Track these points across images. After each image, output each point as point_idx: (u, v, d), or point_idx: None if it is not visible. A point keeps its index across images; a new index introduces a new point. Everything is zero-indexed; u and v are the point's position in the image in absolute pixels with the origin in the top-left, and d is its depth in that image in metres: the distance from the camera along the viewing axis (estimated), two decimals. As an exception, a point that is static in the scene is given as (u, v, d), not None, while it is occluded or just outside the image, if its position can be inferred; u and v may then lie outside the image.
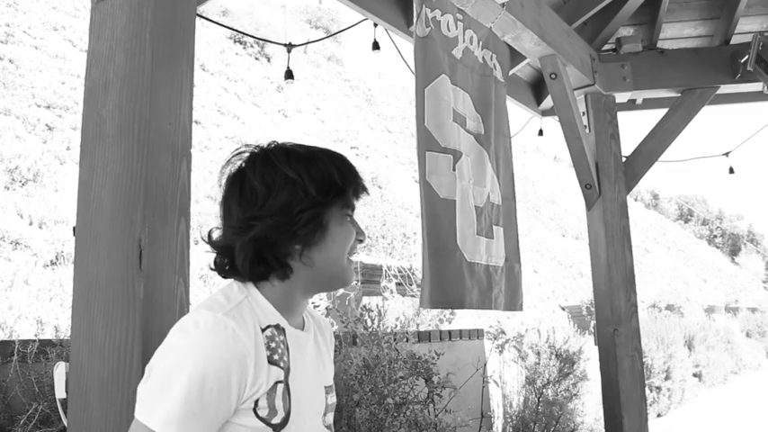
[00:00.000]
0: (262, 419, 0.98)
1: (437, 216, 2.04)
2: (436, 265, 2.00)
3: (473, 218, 2.22)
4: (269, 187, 1.01)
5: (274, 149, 1.06)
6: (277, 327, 1.03)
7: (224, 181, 1.07)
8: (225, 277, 1.07)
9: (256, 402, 0.97)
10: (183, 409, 0.89)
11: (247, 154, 1.07)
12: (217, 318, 0.94)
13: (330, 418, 1.16)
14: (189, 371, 0.90)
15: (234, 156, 1.07)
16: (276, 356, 1.00)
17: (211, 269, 1.07)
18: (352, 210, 1.11)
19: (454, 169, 2.14)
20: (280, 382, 1.00)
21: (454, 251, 2.09)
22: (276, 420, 0.99)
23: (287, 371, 1.02)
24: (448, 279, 2.05)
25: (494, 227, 2.37)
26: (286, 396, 1.01)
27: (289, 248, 1.03)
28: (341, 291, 7.93)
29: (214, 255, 1.08)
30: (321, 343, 1.19)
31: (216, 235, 1.06)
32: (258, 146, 1.08)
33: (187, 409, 0.89)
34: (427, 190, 2.02)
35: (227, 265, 1.05)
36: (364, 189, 1.11)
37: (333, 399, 1.17)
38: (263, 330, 1.00)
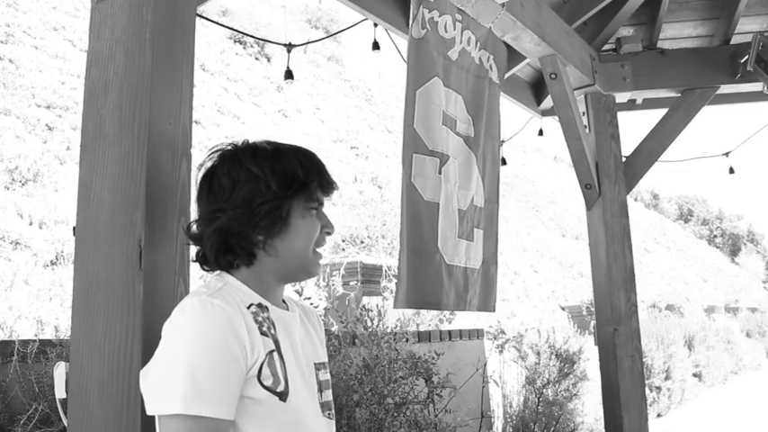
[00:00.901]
0: (267, 388, 1.03)
1: (420, 218, 2.05)
2: (415, 266, 2.01)
3: (455, 221, 2.23)
4: (234, 182, 1.09)
5: (243, 148, 1.14)
6: (260, 305, 1.09)
7: (199, 177, 1.15)
8: (203, 268, 1.15)
9: (260, 371, 1.02)
10: (196, 387, 0.93)
11: (219, 152, 1.15)
12: (201, 299, 1.01)
13: (328, 395, 1.21)
14: (189, 350, 0.95)
15: (209, 153, 1.15)
16: (264, 328, 1.06)
17: (193, 261, 1.15)
18: (320, 203, 1.17)
19: (440, 172, 2.14)
20: (273, 351, 1.06)
21: (434, 253, 2.10)
22: (280, 389, 1.05)
23: (276, 342, 1.08)
24: (426, 280, 2.06)
25: (474, 230, 2.38)
26: (282, 365, 1.06)
27: (252, 239, 1.10)
28: (340, 290, 7.93)
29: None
30: (309, 325, 1.25)
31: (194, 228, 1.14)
32: (231, 143, 1.16)
33: (199, 385, 0.93)
34: (411, 192, 2.02)
35: (201, 254, 1.13)
36: (330, 184, 1.17)
37: (326, 376, 1.22)
38: (248, 308, 1.06)
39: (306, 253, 1.14)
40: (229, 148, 1.15)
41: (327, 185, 1.17)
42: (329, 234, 1.19)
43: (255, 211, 1.08)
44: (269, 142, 1.17)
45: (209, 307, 0.99)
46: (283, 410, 1.04)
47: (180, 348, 0.96)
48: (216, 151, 1.15)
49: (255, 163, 1.10)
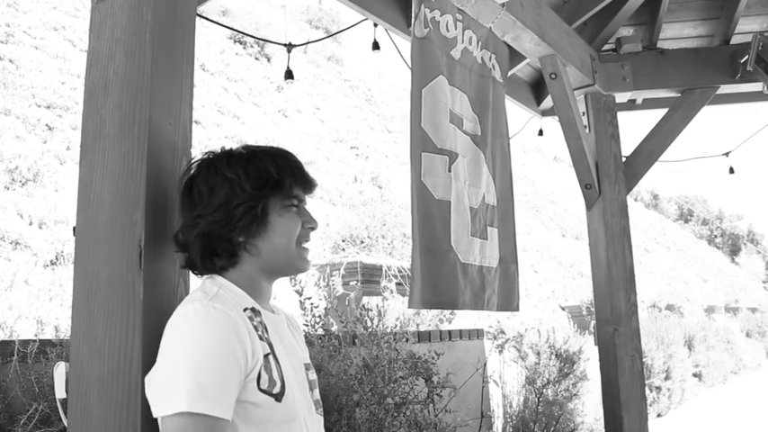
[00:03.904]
0: (264, 391, 1.06)
1: (431, 217, 2.03)
2: (429, 265, 1.99)
3: (468, 219, 2.22)
4: (211, 188, 1.15)
5: (218, 155, 1.20)
6: (253, 309, 1.14)
7: (180, 188, 1.22)
8: (194, 272, 1.21)
9: (258, 376, 1.05)
10: (200, 387, 0.96)
11: (197, 162, 1.21)
12: (204, 303, 1.05)
13: (317, 393, 1.26)
14: (193, 352, 0.98)
15: (188, 165, 1.21)
16: (260, 332, 1.10)
17: (182, 267, 1.21)
18: (299, 200, 1.20)
19: (450, 170, 2.14)
20: (269, 354, 1.09)
21: (448, 252, 2.09)
22: (276, 390, 1.08)
23: (270, 345, 1.11)
24: (441, 280, 2.04)
25: (488, 228, 2.37)
26: (278, 367, 1.10)
27: (233, 240, 1.15)
28: (340, 290, 7.93)
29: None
30: (293, 329, 1.31)
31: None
32: (209, 152, 1.21)
33: (203, 385, 0.96)
34: (422, 191, 2.01)
35: (190, 260, 1.19)
36: (307, 181, 1.21)
37: (314, 375, 1.28)
38: (244, 311, 1.10)
39: (288, 249, 1.18)
40: (206, 156, 1.20)
41: (305, 183, 1.21)
42: (313, 229, 1.23)
43: (232, 213, 1.12)
44: (246, 147, 1.21)
45: (211, 311, 1.03)
46: (280, 410, 1.08)
47: (184, 351, 1.00)
48: (194, 161, 1.21)
49: (230, 168, 1.15)
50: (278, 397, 1.08)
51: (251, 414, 1.04)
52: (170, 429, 0.97)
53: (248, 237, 1.15)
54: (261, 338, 1.10)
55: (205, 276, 1.19)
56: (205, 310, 1.03)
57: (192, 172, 1.20)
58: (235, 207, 1.12)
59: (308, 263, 1.23)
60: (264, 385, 1.06)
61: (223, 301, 1.07)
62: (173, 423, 0.97)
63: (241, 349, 1.02)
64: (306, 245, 1.22)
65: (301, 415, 1.14)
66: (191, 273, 1.33)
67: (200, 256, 1.15)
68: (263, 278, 1.19)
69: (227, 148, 1.22)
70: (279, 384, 1.09)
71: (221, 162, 1.17)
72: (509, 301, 2.46)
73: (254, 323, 1.11)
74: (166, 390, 0.99)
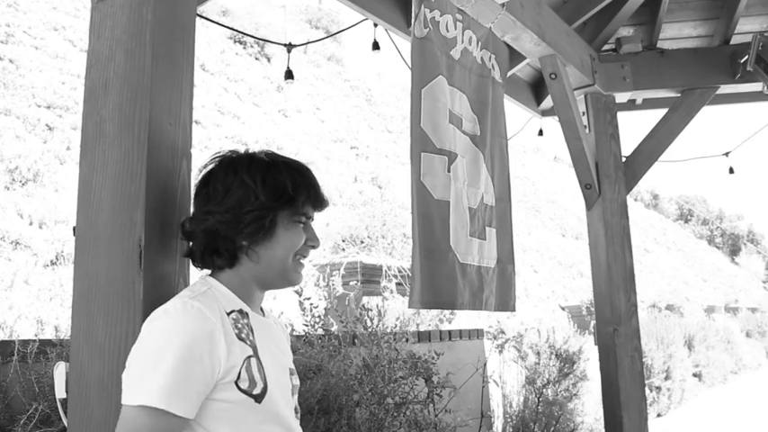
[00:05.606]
0: (243, 391, 1.09)
1: (431, 217, 2.04)
2: (428, 265, 2.00)
3: (466, 219, 2.22)
4: (227, 188, 1.17)
5: (241, 156, 1.22)
6: (240, 311, 1.16)
7: (198, 178, 1.23)
8: (194, 264, 1.23)
9: (238, 375, 1.07)
10: (166, 383, 0.99)
11: (220, 157, 1.23)
12: (184, 302, 1.08)
13: (295, 399, 1.29)
14: (167, 349, 1.01)
15: (212, 157, 1.23)
16: (243, 335, 1.12)
17: (184, 256, 1.24)
18: (307, 218, 1.23)
19: (449, 171, 2.14)
20: (251, 356, 1.12)
21: (447, 252, 2.09)
22: (257, 391, 1.10)
23: (254, 348, 1.14)
24: (440, 280, 2.04)
25: (486, 228, 2.38)
26: (261, 369, 1.12)
27: (236, 242, 1.17)
28: (340, 290, 7.93)
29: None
30: (281, 334, 1.32)
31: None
32: (233, 151, 1.24)
33: (170, 380, 1.00)
34: (421, 191, 2.02)
35: (191, 250, 1.22)
36: (318, 200, 1.23)
37: (296, 381, 1.30)
38: (229, 314, 1.12)
39: (285, 261, 1.20)
40: (229, 154, 1.22)
41: (317, 202, 1.23)
42: (314, 248, 1.25)
43: (242, 217, 1.15)
44: (268, 154, 1.23)
45: (189, 309, 1.06)
46: (259, 411, 1.10)
47: (159, 346, 1.03)
48: (217, 156, 1.22)
49: (249, 173, 1.17)
50: (258, 398, 1.10)
51: (227, 413, 1.07)
52: (129, 419, 1.00)
53: (251, 243, 1.17)
54: (243, 340, 1.12)
55: (200, 276, 1.22)
56: (183, 309, 1.06)
57: (212, 166, 1.22)
58: (245, 212, 1.15)
59: (301, 277, 1.26)
60: (244, 385, 1.08)
61: (206, 301, 1.10)
62: (133, 414, 1.00)
63: (213, 351, 1.04)
64: (303, 260, 1.25)
65: (284, 417, 1.16)
66: (192, 270, 1.34)
67: (201, 250, 1.19)
68: (255, 285, 1.21)
69: (251, 151, 1.23)
70: (261, 385, 1.11)
71: (242, 165, 1.19)
72: (506, 302, 2.47)
73: (240, 324, 1.13)
74: (135, 381, 1.02)
